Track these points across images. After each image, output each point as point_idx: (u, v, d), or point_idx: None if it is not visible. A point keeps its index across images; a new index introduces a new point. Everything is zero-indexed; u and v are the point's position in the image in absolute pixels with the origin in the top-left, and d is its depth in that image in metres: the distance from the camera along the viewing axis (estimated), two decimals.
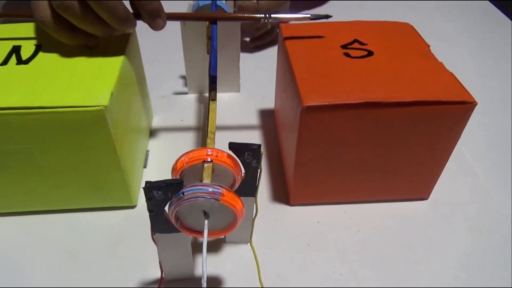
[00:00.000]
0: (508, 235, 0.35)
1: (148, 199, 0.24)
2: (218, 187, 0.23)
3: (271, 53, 0.59)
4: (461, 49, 0.61)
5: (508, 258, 0.33)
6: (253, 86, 0.51)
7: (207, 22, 0.42)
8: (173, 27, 0.63)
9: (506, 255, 0.34)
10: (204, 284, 0.22)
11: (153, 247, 0.28)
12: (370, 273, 0.32)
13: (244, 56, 0.56)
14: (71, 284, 0.31)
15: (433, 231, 0.35)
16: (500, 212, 0.37)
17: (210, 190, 0.23)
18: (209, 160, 0.25)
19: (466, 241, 0.35)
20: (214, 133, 0.28)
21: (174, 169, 0.26)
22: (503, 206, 0.38)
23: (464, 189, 0.39)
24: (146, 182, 0.23)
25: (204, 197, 0.23)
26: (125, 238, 0.34)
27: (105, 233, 0.34)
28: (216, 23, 0.37)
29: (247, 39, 0.60)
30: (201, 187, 0.23)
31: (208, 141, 0.28)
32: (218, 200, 0.23)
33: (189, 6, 0.45)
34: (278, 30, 0.59)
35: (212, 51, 0.32)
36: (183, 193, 0.23)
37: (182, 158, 0.26)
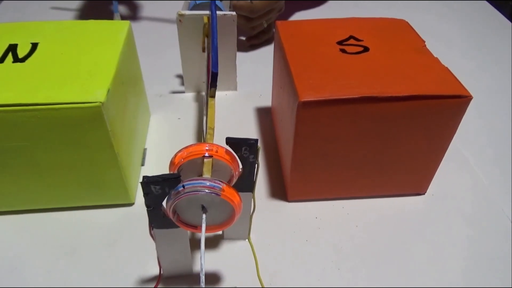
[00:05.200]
0: (505, 230, 0.35)
1: (146, 194, 0.24)
2: (219, 182, 0.23)
3: (268, 51, 0.59)
4: (458, 48, 0.61)
5: (506, 252, 0.34)
6: (250, 85, 0.51)
7: (206, 19, 0.42)
8: (170, 25, 0.64)
9: (504, 249, 0.34)
10: (202, 280, 0.22)
11: (151, 245, 0.28)
12: (368, 268, 0.32)
13: (240, 55, 0.57)
14: (69, 282, 0.31)
15: (431, 226, 0.35)
16: (496, 206, 0.37)
17: (211, 184, 0.23)
18: (207, 155, 0.25)
19: (463, 235, 0.35)
20: (213, 129, 0.29)
21: (172, 164, 0.26)
22: (500, 201, 0.38)
23: (461, 184, 0.39)
24: (144, 177, 0.23)
25: (205, 191, 0.23)
26: (123, 236, 0.34)
27: (102, 231, 0.34)
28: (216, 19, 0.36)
29: (243, 38, 0.60)
30: (202, 181, 0.23)
31: (208, 136, 0.28)
32: (219, 195, 0.23)
33: (185, 4, 0.45)
34: (274, 29, 0.59)
35: (213, 48, 0.32)
36: (183, 186, 0.23)
37: (181, 153, 0.26)
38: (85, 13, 0.66)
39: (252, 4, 0.52)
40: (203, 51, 0.43)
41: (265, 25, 0.56)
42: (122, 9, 0.67)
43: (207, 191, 0.23)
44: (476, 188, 0.39)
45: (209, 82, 0.29)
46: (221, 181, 0.24)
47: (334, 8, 0.69)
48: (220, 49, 0.45)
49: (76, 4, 0.69)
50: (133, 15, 0.67)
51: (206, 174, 0.25)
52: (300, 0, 0.69)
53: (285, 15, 0.65)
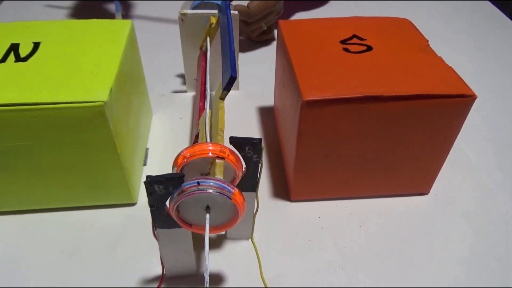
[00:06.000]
0: (508, 230, 0.35)
1: (149, 193, 0.24)
2: (232, 185, 0.24)
3: (270, 51, 0.59)
4: (460, 47, 0.61)
5: (507, 251, 0.33)
6: (252, 84, 0.51)
7: (214, 20, 0.41)
8: (172, 24, 0.64)
9: (507, 249, 0.34)
10: (207, 281, 0.22)
11: (154, 245, 0.28)
12: (371, 268, 0.32)
13: (242, 54, 0.57)
14: (72, 283, 0.31)
15: (434, 226, 0.35)
16: (500, 207, 0.37)
17: (225, 187, 0.23)
18: (210, 154, 0.25)
19: (466, 235, 0.35)
20: (223, 131, 0.29)
21: (176, 162, 0.26)
22: (503, 201, 0.38)
23: (464, 184, 0.39)
24: (147, 177, 0.23)
25: (218, 192, 0.23)
26: (125, 236, 0.34)
27: (105, 231, 0.34)
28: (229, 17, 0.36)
29: (241, 37, 0.60)
30: (217, 182, 0.23)
31: (219, 138, 0.28)
32: (230, 198, 0.23)
33: (186, 3, 0.45)
34: (275, 30, 0.59)
35: (230, 52, 0.32)
36: (198, 183, 0.23)
37: (185, 152, 0.25)
38: (79, 11, 0.66)
39: (248, 9, 0.52)
40: (201, 49, 0.43)
41: (265, 28, 0.56)
42: (114, 7, 0.67)
43: (219, 192, 0.23)
44: (480, 189, 0.39)
45: (225, 86, 0.29)
46: (232, 185, 0.24)
47: (335, 8, 0.69)
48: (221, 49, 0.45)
49: (70, 2, 0.69)
50: (126, 13, 0.67)
51: (219, 175, 0.25)
52: (301, 0, 0.69)
53: (286, 16, 0.65)
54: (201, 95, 0.35)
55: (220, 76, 0.46)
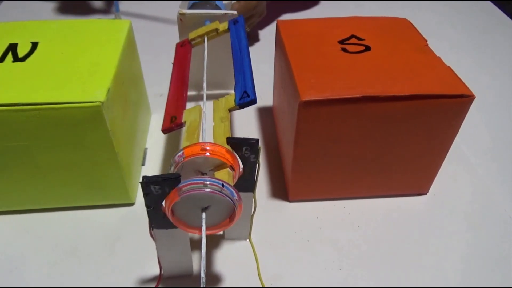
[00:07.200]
0: (507, 230, 0.35)
1: (146, 194, 0.24)
2: (238, 193, 0.24)
3: (268, 50, 0.58)
4: (460, 47, 0.61)
5: (508, 252, 0.33)
6: None
7: (220, 27, 0.41)
8: (171, 25, 0.64)
9: (506, 249, 0.34)
10: (203, 281, 0.22)
11: (152, 245, 0.28)
12: (369, 268, 0.32)
13: None
14: (69, 282, 0.31)
15: (432, 226, 0.35)
16: (498, 206, 0.37)
17: (236, 198, 0.24)
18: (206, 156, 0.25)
19: (465, 235, 0.35)
20: None
21: (190, 150, 0.26)
22: (502, 200, 0.38)
23: (462, 184, 0.39)
24: (143, 177, 0.23)
25: (231, 200, 0.23)
26: (123, 236, 0.34)
27: (103, 231, 0.34)
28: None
29: None
30: (233, 191, 0.24)
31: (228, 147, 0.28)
32: (236, 207, 0.24)
33: (183, 3, 0.45)
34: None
35: (249, 70, 0.32)
36: (222, 185, 0.23)
37: (204, 145, 0.25)
38: (68, 6, 0.67)
39: None
40: (190, 41, 0.42)
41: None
42: (99, 3, 0.68)
43: (234, 201, 0.24)
44: (478, 188, 0.39)
45: (241, 103, 0.30)
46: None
47: (325, 9, 0.68)
48: (219, 49, 0.44)
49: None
50: (108, 9, 0.67)
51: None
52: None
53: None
54: (184, 86, 0.35)
55: (214, 77, 0.46)
